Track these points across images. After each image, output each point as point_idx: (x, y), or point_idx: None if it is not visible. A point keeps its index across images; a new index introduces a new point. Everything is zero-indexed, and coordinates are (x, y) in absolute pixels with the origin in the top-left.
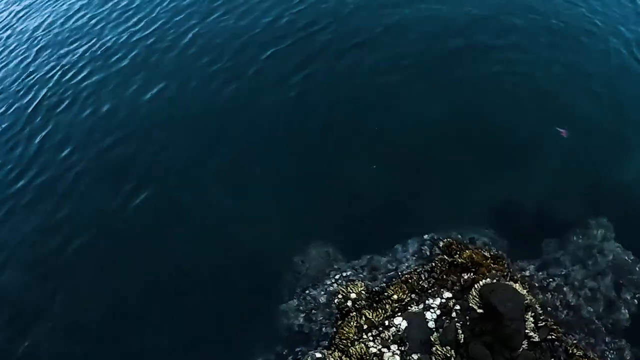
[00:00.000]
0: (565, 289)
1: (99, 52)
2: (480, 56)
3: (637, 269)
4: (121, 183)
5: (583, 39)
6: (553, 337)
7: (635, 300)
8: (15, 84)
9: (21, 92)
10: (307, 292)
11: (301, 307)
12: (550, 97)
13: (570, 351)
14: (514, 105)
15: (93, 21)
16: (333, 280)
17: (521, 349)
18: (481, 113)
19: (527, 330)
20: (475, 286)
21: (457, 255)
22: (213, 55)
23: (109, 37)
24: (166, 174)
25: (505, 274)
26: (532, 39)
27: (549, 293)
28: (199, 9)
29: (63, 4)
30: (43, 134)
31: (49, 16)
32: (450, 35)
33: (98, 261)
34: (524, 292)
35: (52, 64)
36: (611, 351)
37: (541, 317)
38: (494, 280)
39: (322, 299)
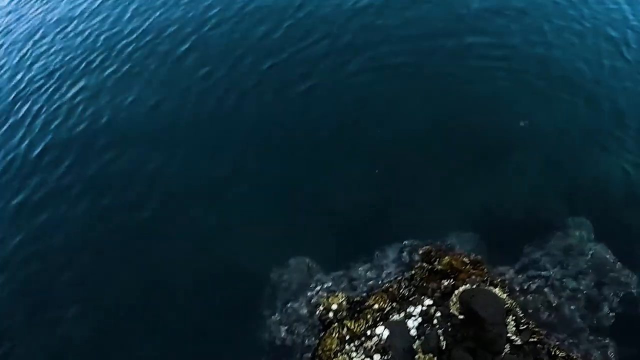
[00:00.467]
0: (546, 290)
1: (91, 64)
2: (463, 61)
3: (618, 266)
4: (101, 198)
5: (567, 38)
6: (535, 339)
7: (617, 298)
8: (8, 97)
9: (15, 106)
10: (288, 305)
11: (283, 320)
12: (527, 100)
13: (553, 353)
14: (490, 109)
15: (86, 33)
16: (314, 292)
17: (503, 353)
18: (459, 118)
19: (508, 334)
20: (456, 292)
21: (437, 262)
22: (201, 68)
23: (101, 49)
24: (148, 189)
25: (485, 278)
26: (512, 39)
27: (530, 295)
28: (192, 20)
29: (53, 16)
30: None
31: (39, 28)
32: (440, 42)
33: (78, 277)
34: (505, 296)
35: (45, 75)
36: (595, 350)
37: (522, 320)
38: (474, 286)
39: (304, 311)
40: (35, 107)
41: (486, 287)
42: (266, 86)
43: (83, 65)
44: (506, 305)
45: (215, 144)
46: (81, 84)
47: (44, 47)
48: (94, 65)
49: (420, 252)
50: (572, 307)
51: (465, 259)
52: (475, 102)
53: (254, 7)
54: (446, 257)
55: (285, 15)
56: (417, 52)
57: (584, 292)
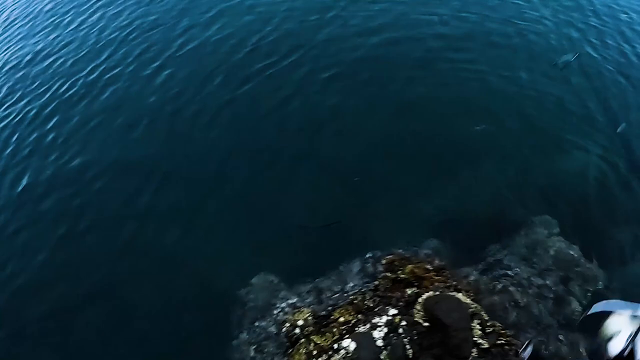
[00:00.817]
0: (512, 289)
1: (58, 90)
2: (426, 68)
3: (583, 261)
4: (68, 224)
5: (531, 40)
6: (503, 341)
7: (584, 292)
8: None
9: None
10: (256, 324)
11: (252, 340)
12: (486, 102)
13: None
14: (449, 114)
15: (51, 59)
16: (280, 309)
17: (470, 358)
18: (417, 126)
19: (475, 338)
20: (419, 300)
21: (400, 271)
22: (171, 89)
23: (72, 77)
24: (116, 213)
25: (449, 284)
26: (475, 44)
27: (496, 296)
28: (161, 41)
29: (18, 48)
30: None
31: (9, 58)
32: (404, 50)
33: (47, 302)
34: (469, 300)
35: (16, 108)
36: (565, 346)
37: (489, 323)
38: (437, 292)
39: (272, 329)
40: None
41: (450, 293)
42: (232, 103)
43: (49, 93)
44: (470, 309)
45: (180, 165)
46: (46, 111)
47: (13, 77)
48: (61, 91)
49: (384, 262)
50: (540, 305)
51: (429, 266)
52: (435, 108)
53: (220, 25)
54: (409, 266)
55: (252, 32)
56: (381, 62)
57: (551, 288)
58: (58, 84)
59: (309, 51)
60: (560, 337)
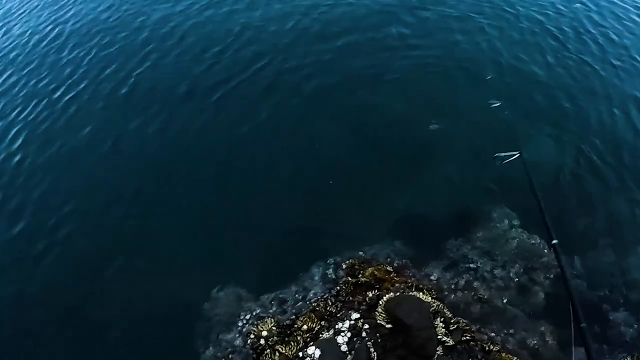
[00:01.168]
0: (475, 284)
1: (23, 112)
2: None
3: (545, 251)
4: (27, 246)
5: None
6: (467, 337)
7: (548, 281)
8: None
9: None
10: (221, 337)
11: (218, 354)
12: (442, 100)
13: (487, 348)
14: (402, 112)
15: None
16: (244, 321)
17: (436, 356)
18: (373, 129)
19: (439, 336)
20: (380, 302)
21: (360, 275)
22: (144, 107)
23: (35, 97)
24: (80, 232)
25: (410, 284)
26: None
27: (459, 292)
28: (132, 57)
29: None
30: None
31: None
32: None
33: (14, 323)
34: (430, 298)
35: None
36: (532, 336)
37: (452, 320)
38: (398, 293)
39: (238, 342)
40: None
41: (411, 293)
42: (197, 116)
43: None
44: (432, 308)
45: (141, 182)
46: (12, 133)
47: None
48: (26, 112)
49: (344, 267)
50: (504, 297)
51: (389, 268)
52: (392, 110)
53: (194, 39)
54: (369, 269)
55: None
56: (339, 69)
57: (514, 280)
58: (19, 104)
59: (271, 61)
60: (527, 326)
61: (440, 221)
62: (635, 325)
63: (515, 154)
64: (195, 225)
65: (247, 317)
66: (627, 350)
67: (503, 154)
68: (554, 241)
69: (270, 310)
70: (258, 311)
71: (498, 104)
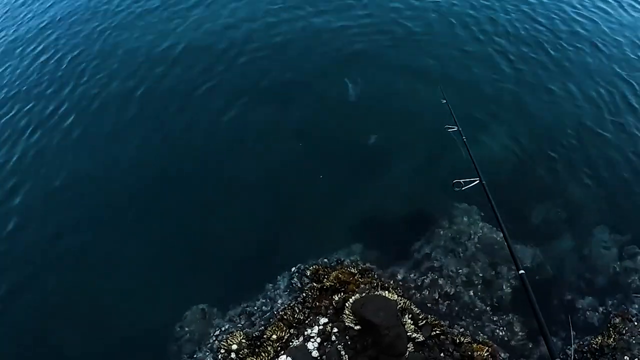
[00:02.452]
0: (440, 281)
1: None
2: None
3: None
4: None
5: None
6: (437, 332)
7: (512, 273)
8: None
9: None
10: (194, 356)
11: None
12: (391, 103)
13: (458, 341)
14: (353, 116)
15: None
16: (214, 338)
17: (407, 353)
18: (326, 135)
19: (409, 333)
20: (347, 304)
21: (325, 279)
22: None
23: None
24: (39, 258)
25: (375, 284)
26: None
27: (425, 290)
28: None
29: None
30: None
31: None
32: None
33: None
34: (396, 297)
35: None
36: (500, 328)
37: (420, 317)
38: (364, 294)
39: (209, 359)
40: None
41: (375, 293)
42: (149, 137)
43: None
44: (399, 305)
45: (96, 206)
46: None
47: None
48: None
49: (308, 273)
50: (470, 292)
51: (353, 270)
52: (342, 116)
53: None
54: (333, 273)
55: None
56: (288, 82)
57: (479, 275)
58: None
59: (221, 76)
60: (494, 319)
61: (401, 223)
62: (601, 308)
63: (475, 181)
64: (156, 247)
65: (217, 333)
66: (594, 334)
67: (462, 181)
68: (521, 271)
69: (239, 324)
70: (227, 326)
71: (455, 129)
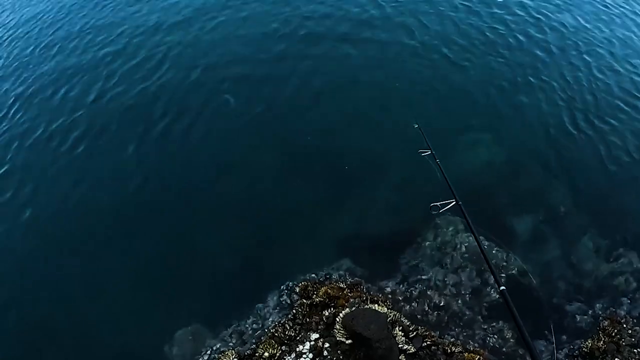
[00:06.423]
0: (429, 292)
1: None
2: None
3: (494, 252)
4: None
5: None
6: (428, 342)
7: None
8: None
9: None
10: None
11: None
12: (373, 118)
13: (449, 350)
14: (338, 130)
15: None
16: (206, 357)
17: None
18: (309, 151)
19: (400, 345)
20: (337, 319)
21: (314, 295)
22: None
23: None
24: (26, 286)
25: (365, 298)
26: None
27: (414, 301)
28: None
29: None
30: None
31: None
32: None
33: None
34: (385, 309)
35: None
36: (491, 335)
37: (411, 328)
38: (354, 308)
39: None
40: None
41: (365, 307)
42: (132, 156)
43: None
44: (390, 318)
45: (81, 230)
46: None
47: None
48: None
49: (298, 290)
50: (459, 301)
51: (342, 285)
52: (326, 132)
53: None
54: (322, 288)
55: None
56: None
57: (467, 284)
58: None
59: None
60: (485, 327)
61: (387, 237)
62: (590, 312)
63: (452, 202)
64: (143, 269)
65: (208, 352)
66: (584, 337)
67: (439, 204)
68: (502, 288)
69: (230, 343)
70: (218, 346)
71: (428, 153)
